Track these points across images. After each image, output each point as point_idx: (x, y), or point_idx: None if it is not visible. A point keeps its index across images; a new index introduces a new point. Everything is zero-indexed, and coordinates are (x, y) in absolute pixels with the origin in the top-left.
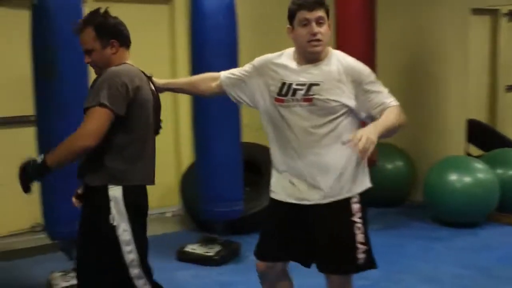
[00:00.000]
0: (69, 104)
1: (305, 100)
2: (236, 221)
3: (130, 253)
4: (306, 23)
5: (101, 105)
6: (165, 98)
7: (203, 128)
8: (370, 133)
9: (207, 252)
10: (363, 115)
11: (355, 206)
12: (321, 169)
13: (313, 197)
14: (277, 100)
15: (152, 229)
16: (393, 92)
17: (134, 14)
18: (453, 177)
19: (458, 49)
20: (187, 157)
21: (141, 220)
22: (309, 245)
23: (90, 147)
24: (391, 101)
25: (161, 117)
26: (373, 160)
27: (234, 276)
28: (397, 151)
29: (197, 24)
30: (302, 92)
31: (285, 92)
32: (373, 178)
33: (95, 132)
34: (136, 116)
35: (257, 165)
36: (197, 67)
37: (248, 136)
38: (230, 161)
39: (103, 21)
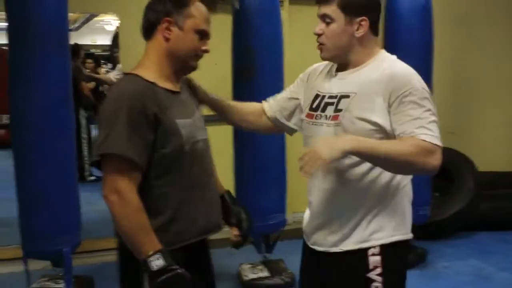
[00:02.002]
0: None
1: (333, 118)
2: (423, 226)
3: None
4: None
5: None
6: None
7: None
8: (322, 146)
9: None
10: None
11: (373, 259)
12: (335, 208)
13: (324, 242)
14: (307, 115)
15: None
16: None
17: None
18: None
19: None
20: None
21: None
22: None
23: None
24: (424, 133)
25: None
26: None
27: (420, 282)
28: None
29: (391, 25)
30: (333, 107)
31: (316, 105)
32: None
33: None
34: None
35: (446, 169)
36: None
37: None
38: None
39: None
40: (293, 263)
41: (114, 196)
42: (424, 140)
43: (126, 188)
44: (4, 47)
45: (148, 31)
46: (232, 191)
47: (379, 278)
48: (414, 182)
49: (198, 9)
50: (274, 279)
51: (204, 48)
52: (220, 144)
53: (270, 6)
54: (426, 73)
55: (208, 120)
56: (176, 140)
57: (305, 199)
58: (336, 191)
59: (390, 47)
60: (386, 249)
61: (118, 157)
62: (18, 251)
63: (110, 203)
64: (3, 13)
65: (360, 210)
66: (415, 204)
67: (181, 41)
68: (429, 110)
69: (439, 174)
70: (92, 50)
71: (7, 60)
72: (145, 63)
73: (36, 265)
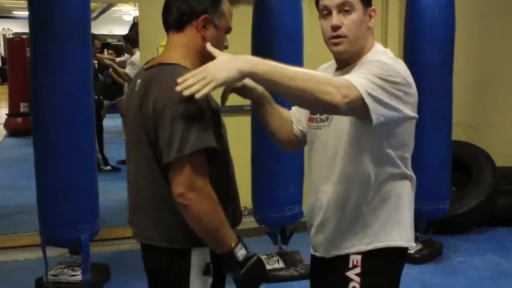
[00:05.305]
0: None
1: (326, 119)
2: (440, 221)
3: None
4: (326, 12)
5: None
6: None
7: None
8: (217, 65)
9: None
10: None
11: (355, 258)
12: (326, 211)
13: (320, 249)
14: (309, 119)
15: None
16: None
17: None
18: None
19: None
20: None
21: None
22: None
23: None
24: (353, 79)
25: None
26: None
27: (436, 277)
28: None
29: (413, 19)
30: None
31: None
32: None
33: None
34: None
35: (465, 164)
36: (410, 63)
37: (458, 134)
38: (440, 159)
39: None
40: (308, 255)
41: (192, 193)
42: (347, 80)
43: (205, 183)
44: (24, 36)
45: (180, 23)
46: (250, 181)
47: (357, 279)
48: (434, 177)
49: (227, 6)
50: (289, 271)
51: (226, 44)
52: (239, 134)
53: None
54: (447, 67)
55: (227, 111)
56: (220, 125)
57: None
58: (326, 194)
59: (412, 41)
60: (372, 254)
61: (202, 151)
62: (36, 238)
63: (189, 201)
64: (24, 1)
65: (342, 216)
66: (435, 198)
67: (216, 40)
68: (377, 75)
69: (458, 168)
70: (109, 40)
71: (27, 49)
72: (174, 56)
73: (53, 252)
